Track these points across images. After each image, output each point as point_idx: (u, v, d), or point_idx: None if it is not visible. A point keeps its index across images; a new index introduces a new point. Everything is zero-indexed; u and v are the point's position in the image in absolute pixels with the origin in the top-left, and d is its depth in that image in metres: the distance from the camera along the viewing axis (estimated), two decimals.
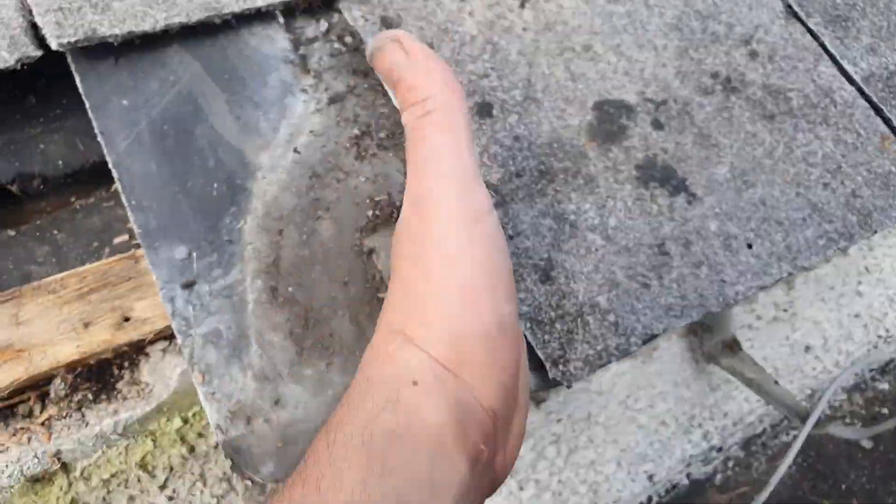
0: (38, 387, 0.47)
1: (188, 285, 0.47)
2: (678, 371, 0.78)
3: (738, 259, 0.56)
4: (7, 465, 0.47)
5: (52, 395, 0.47)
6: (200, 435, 0.52)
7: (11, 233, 0.53)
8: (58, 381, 0.46)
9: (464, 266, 0.32)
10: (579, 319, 0.50)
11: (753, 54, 0.66)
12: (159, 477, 0.52)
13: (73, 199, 0.56)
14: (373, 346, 0.34)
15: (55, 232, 0.53)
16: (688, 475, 0.89)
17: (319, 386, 0.47)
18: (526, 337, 0.49)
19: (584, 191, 0.56)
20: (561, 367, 0.49)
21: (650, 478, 0.81)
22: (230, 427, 0.46)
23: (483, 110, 0.57)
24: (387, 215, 0.52)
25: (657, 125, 0.60)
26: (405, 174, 0.54)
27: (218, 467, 0.54)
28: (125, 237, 0.54)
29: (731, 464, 0.91)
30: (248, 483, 0.44)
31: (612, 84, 0.61)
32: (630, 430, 0.76)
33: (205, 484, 0.55)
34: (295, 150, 0.53)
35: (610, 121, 0.59)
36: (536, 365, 0.50)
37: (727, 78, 0.64)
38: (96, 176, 0.56)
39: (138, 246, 0.53)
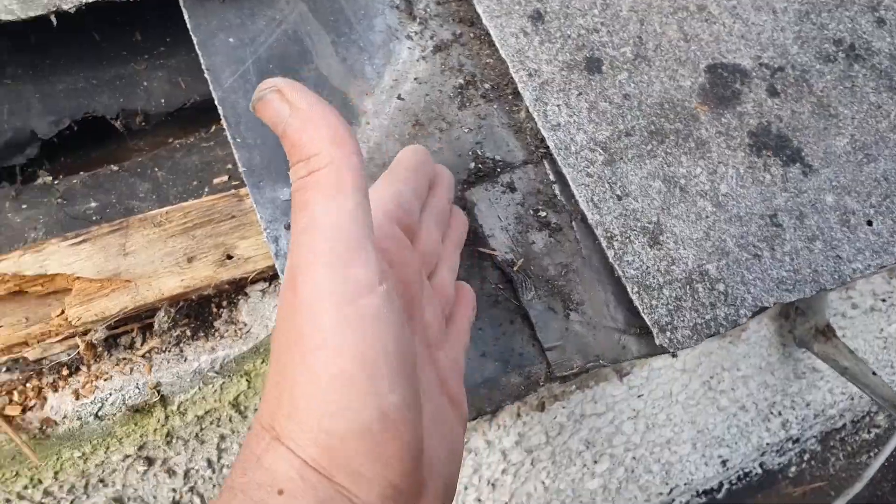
0: (139, 319, 0.48)
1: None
2: (765, 355, 0.75)
3: (857, 236, 0.52)
4: (111, 394, 0.47)
5: (156, 327, 0.47)
6: None
7: (115, 167, 0.53)
8: (161, 313, 0.46)
9: (336, 353, 0.28)
10: (688, 287, 0.48)
11: (881, 22, 0.61)
12: (250, 418, 0.52)
13: (171, 139, 0.56)
14: (245, 444, 0.30)
15: (156, 169, 0.53)
16: (761, 464, 0.86)
17: None
18: (632, 300, 0.47)
19: (694, 155, 0.53)
20: (668, 333, 0.46)
21: (724, 463, 0.79)
22: None
23: (592, 66, 0.55)
24: (489, 169, 0.51)
25: (773, 92, 0.57)
26: (511, 128, 0.53)
27: None
28: (224, 178, 0.53)
29: (806, 457, 0.88)
30: None
31: (727, 47, 0.58)
32: (709, 412, 0.74)
33: None
34: (399, 97, 0.52)
35: (723, 85, 0.56)
36: (642, 331, 0.48)
37: (851, 45, 0.60)
38: (196, 116, 0.56)
39: (237, 186, 0.53)
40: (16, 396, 0.47)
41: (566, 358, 0.47)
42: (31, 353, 0.46)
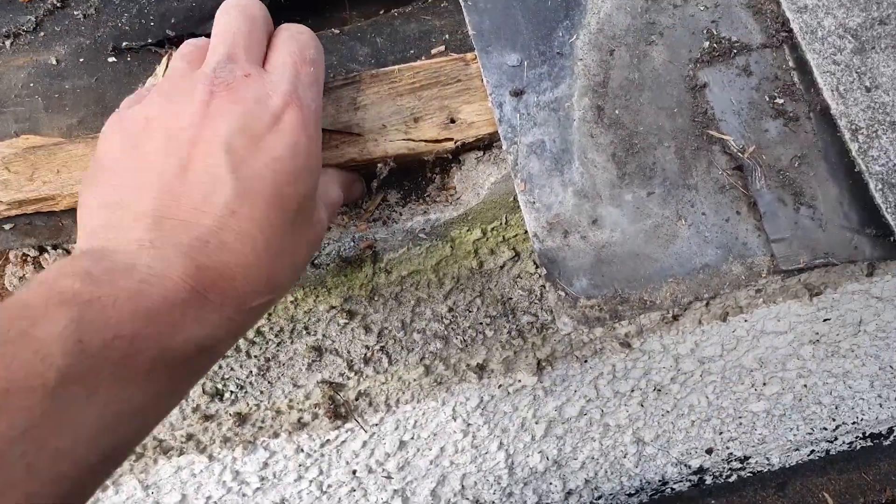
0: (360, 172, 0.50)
1: (517, 93, 0.46)
2: None
3: None
4: (328, 243, 0.50)
5: (375, 184, 0.48)
6: (492, 252, 0.53)
7: (336, 31, 0.55)
8: (384, 168, 0.47)
9: None
10: None
11: None
12: (446, 285, 0.54)
13: (390, 8, 0.56)
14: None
15: (374, 36, 0.54)
16: None
17: (638, 214, 0.45)
18: (871, 199, 0.44)
19: None
20: None
21: None
22: (547, 237, 0.45)
23: None
24: (724, 50, 0.48)
25: None
26: (751, 9, 0.49)
27: (497, 290, 0.55)
28: (441, 48, 0.53)
29: None
30: (561, 294, 0.44)
31: None
32: None
33: (483, 302, 0.56)
34: None
35: None
36: (879, 231, 0.44)
37: None
38: None
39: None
40: None
41: (793, 252, 0.45)
42: None
